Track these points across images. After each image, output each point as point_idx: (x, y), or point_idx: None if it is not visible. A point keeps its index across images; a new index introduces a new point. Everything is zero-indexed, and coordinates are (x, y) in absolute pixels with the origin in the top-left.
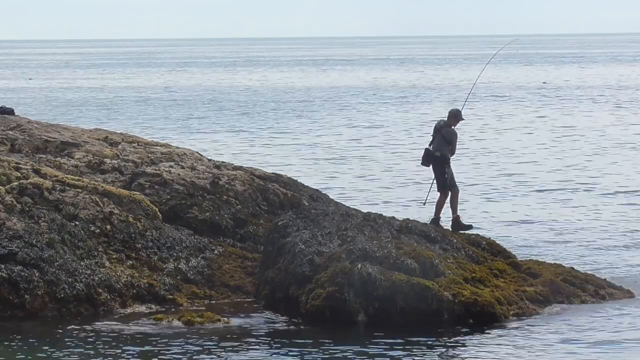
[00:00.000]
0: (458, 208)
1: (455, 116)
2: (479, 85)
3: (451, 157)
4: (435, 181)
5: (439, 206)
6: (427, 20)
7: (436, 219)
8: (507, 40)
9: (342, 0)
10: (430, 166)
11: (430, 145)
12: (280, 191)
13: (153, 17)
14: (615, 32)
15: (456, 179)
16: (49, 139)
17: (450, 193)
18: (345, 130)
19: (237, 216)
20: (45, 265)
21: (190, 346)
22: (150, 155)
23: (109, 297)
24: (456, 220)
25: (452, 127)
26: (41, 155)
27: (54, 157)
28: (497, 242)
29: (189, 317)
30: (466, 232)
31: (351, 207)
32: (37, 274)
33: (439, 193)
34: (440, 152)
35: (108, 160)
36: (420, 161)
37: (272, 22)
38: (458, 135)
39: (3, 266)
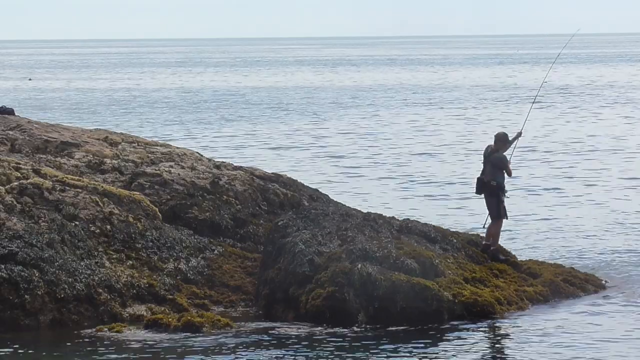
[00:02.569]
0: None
1: (502, 140)
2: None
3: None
4: (488, 210)
5: (496, 235)
6: (427, 20)
7: (496, 250)
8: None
9: (343, 0)
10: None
11: (482, 173)
12: (280, 191)
13: (153, 17)
14: (615, 32)
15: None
16: (49, 139)
17: (495, 222)
18: (348, 130)
19: (237, 216)
20: (45, 265)
21: (190, 346)
22: (150, 155)
23: (109, 297)
24: (497, 252)
25: (500, 152)
26: (41, 155)
27: (54, 157)
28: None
29: (189, 318)
30: (468, 233)
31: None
32: (37, 274)
33: (491, 221)
34: (495, 181)
35: (108, 160)
36: (475, 190)
37: (272, 22)
38: (508, 158)
39: (3, 266)
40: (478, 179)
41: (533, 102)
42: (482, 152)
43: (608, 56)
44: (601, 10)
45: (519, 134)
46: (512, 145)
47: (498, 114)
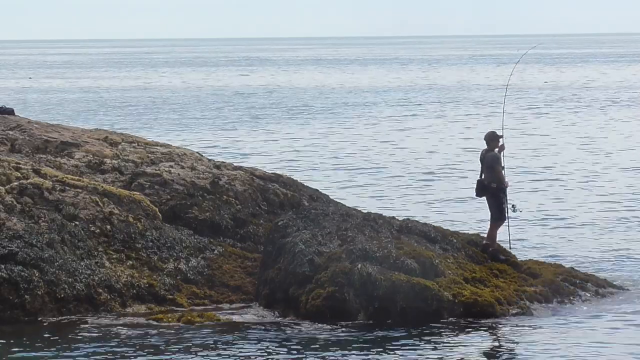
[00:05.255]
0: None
1: (492, 138)
2: (486, 86)
3: (505, 185)
4: (490, 212)
5: (494, 236)
6: (427, 20)
7: (495, 251)
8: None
9: (343, 0)
10: (485, 197)
11: (480, 176)
12: (280, 191)
13: (153, 17)
14: (614, 32)
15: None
16: (49, 139)
17: (495, 223)
18: (348, 130)
19: (237, 216)
20: (45, 265)
21: (190, 346)
22: (150, 155)
23: (109, 297)
24: (496, 252)
25: (494, 151)
26: (41, 155)
27: (54, 157)
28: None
29: (189, 317)
30: (468, 234)
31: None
32: (37, 274)
33: (491, 223)
34: (495, 183)
35: (108, 160)
36: (475, 193)
37: (272, 22)
38: (500, 158)
39: (3, 266)
40: (478, 181)
41: (503, 111)
42: (479, 156)
43: (608, 56)
44: (601, 10)
45: (502, 147)
46: (501, 157)
47: (499, 114)
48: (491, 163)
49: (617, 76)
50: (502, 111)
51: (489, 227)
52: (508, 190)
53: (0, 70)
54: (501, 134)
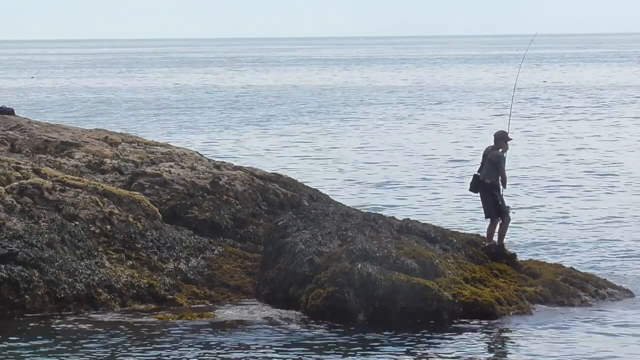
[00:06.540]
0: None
1: (502, 138)
2: (481, 87)
3: (504, 187)
4: (483, 209)
5: (491, 234)
6: (427, 20)
7: (491, 247)
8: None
9: (343, 0)
10: (479, 193)
11: (478, 171)
12: (280, 191)
13: (153, 17)
14: (614, 32)
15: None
16: (49, 139)
17: (501, 220)
18: (348, 130)
19: (237, 216)
20: (45, 265)
21: (190, 346)
22: (150, 155)
23: (109, 297)
24: (502, 247)
25: (500, 150)
26: (41, 155)
27: (54, 157)
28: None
29: (189, 317)
30: (468, 233)
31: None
32: (37, 274)
33: (488, 220)
34: (490, 179)
35: (108, 160)
36: (469, 187)
37: (272, 22)
38: (505, 158)
39: (3, 266)
40: (474, 175)
41: (510, 114)
42: (483, 151)
43: (608, 56)
44: (601, 10)
45: (506, 148)
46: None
47: (499, 114)
48: (497, 161)
49: (616, 76)
50: (509, 113)
51: (489, 225)
52: (506, 191)
53: (0, 70)
54: (511, 138)
